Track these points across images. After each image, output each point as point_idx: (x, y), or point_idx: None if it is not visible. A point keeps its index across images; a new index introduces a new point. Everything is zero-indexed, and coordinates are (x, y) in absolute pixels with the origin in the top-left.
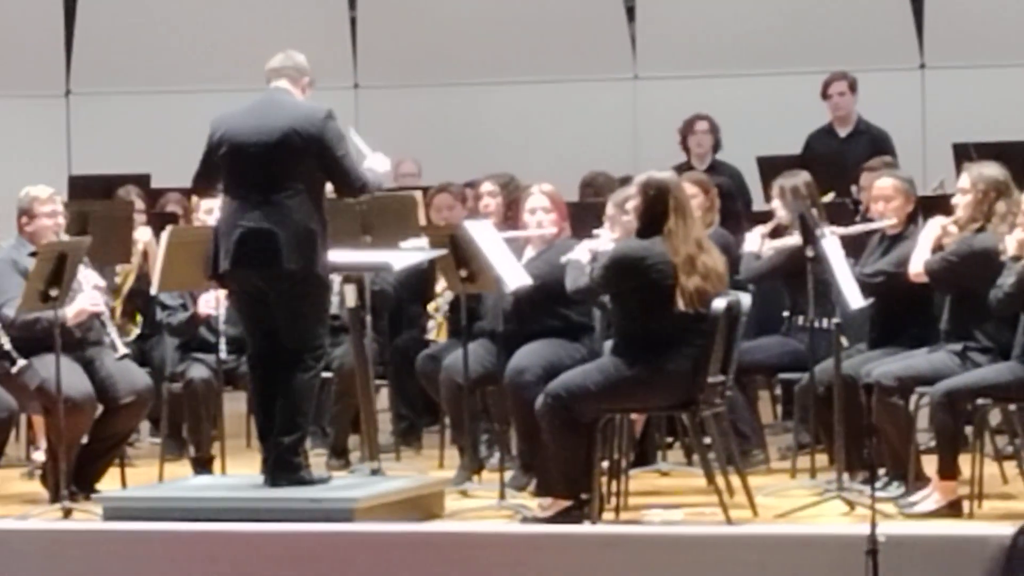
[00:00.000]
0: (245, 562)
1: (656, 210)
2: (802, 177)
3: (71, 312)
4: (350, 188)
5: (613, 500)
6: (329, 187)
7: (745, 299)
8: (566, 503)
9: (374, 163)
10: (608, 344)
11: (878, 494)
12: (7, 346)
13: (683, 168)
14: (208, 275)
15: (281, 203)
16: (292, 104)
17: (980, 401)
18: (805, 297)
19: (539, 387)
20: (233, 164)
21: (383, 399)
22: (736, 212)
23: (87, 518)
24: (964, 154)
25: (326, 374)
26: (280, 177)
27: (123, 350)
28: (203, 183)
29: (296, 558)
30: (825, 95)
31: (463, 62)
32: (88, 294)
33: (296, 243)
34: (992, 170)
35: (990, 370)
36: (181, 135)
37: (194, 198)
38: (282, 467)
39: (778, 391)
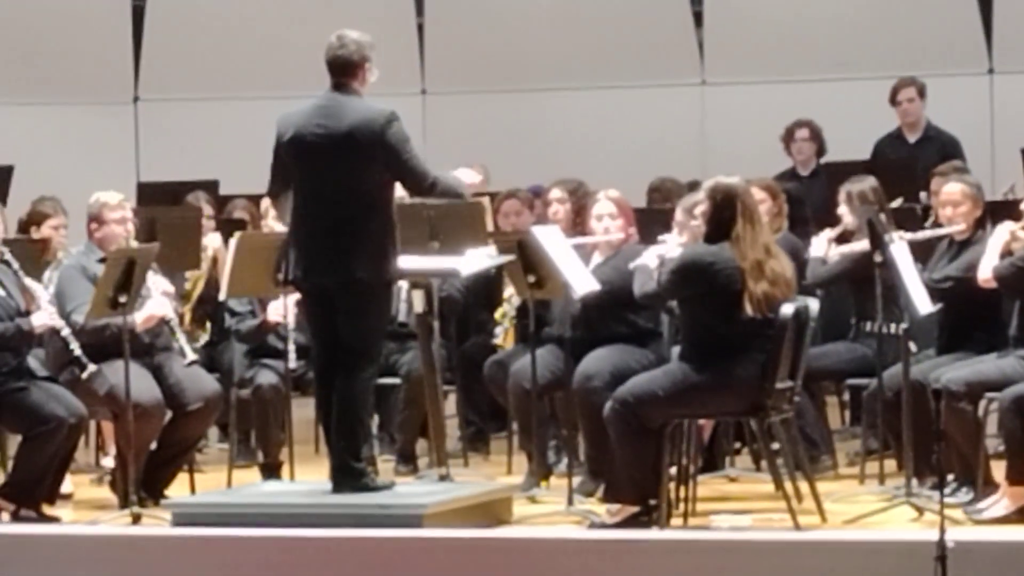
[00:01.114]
0: (314, 568)
1: (724, 215)
2: (869, 182)
3: (140, 318)
4: (419, 187)
5: (681, 506)
6: (399, 192)
7: (813, 304)
8: (634, 509)
9: (461, 174)
10: (676, 350)
11: (947, 500)
12: (77, 352)
13: (787, 175)
14: (278, 281)
15: (347, 208)
16: (354, 108)
17: None
18: (873, 303)
19: (607, 393)
20: (300, 169)
21: (451, 405)
22: (804, 217)
23: (156, 524)
24: None
25: (394, 380)
26: (346, 182)
27: (192, 356)
28: (278, 186)
29: (364, 564)
30: (894, 101)
31: (531, 68)
32: (157, 300)
33: (365, 249)
34: None
35: None
36: (249, 141)
37: (263, 204)
38: (344, 473)
39: (846, 397)
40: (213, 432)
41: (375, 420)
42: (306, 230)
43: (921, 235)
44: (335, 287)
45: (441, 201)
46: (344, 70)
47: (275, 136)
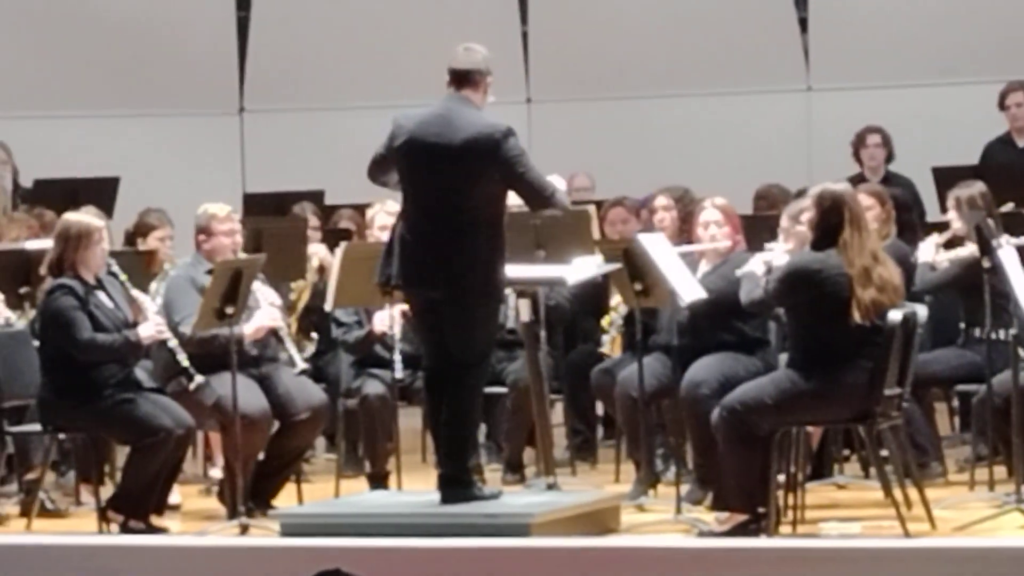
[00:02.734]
0: None
1: (831, 222)
2: (978, 187)
3: (249, 329)
4: (539, 200)
5: (790, 514)
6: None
7: (921, 311)
8: (743, 517)
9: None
10: (783, 357)
11: None
12: (184, 363)
13: (856, 180)
14: (382, 289)
15: (455, 217)
16: (470, 120)
17: None
18: (982, 308)
19: (715, 401)
20: (411, 173)
21: (558, 413)
22: (912, 224)
23: (264, 534)
24: None
25: (501, 389)
26: (457, 193)
27: (301, 365)
28: (378, 171)
29: (472, 574)
30: (1002, 105)
31: (636, 75)
32: (266, 311)
33: (472, 260)
34: None
35: None
36: (354, 151)
37: (368, 214)
38: (451, 482)
39: (955, 403)
40: (320, 442)
41: (482, 429)
42: (413, 238)
43: None
44: (442, 297)
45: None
46: (467, 79)
47: (388, 134)
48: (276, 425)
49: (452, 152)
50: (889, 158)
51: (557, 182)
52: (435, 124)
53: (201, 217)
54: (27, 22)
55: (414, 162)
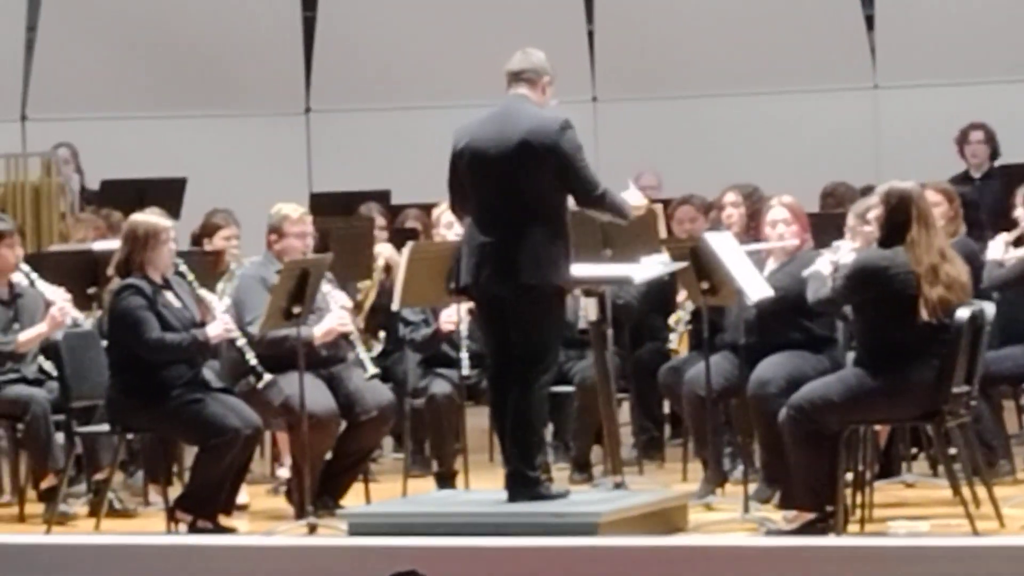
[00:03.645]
0: None
1: (898, 220)
2: None
3: (320, 332)
4: (588, 196)
5: (858, 512)
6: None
7: (989, 308)
8: (810, 515)
9: (628, 196)
10: (851, 355)
11: None
12: (253, 362)
13: (961, 178)
14: (450, 289)
15: (519, 215)
16: (528, 114)
17: None
18: None
19: (782, 399)
20: (473, 176)
21: (625, 412)
22: (980, 221)
23: (332, 534)
24: None
25: (568, 388)
26: (519, 189)
27: (373, 370)
28: (456, 199)
29: (540, 573)
30: None
31: (702, 73)
32: (336, 314)
33: (536, 257)
34: None
35: None
36: (420, 151)
37: (434, 213)
38: (518, 481)
39: (1023, 401)
40: (388, 442)
41: (549, 428)
42: (478, 238)
43: None
44: (507, 295)
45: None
46: (522, 78)
47: (452, 148)
48: (344, 425)
49: (512, 147)
50: (994, 155)
51: (636, 198)
52: (493, 124)
53: (274, 217)
54: (95, 25)
55: (475, 163)
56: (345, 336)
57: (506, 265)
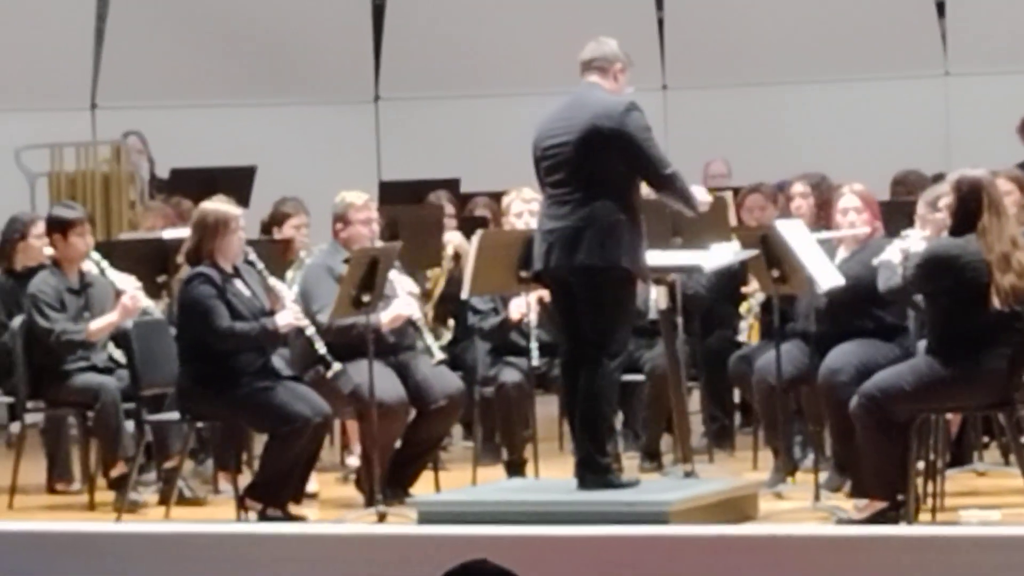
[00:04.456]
0: (559, 566)
1: (969, 207)
2: None
3: (387, 318)
4: (657, 177)
5: (929, 501)
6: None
7: None
8: (882, 504)
9: (696, 191)
10: (922, 344)
11: None
12: (322, 351)
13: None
14: (520, 278)
15: (588, 200)
16: (595, 100)
17: None
18: None
19: (853, 388)
20: (544, 164)
21: (695, 401)
22: None
23: (402, 522)
24: None
25: (638, 377)
26: (588, 175)
27: (440, 356)
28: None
29: (610, 561)
30: None
31: (772, 61)
32: (404, 300)
33: (600, 240)
34: None
35: None
36: (490, 139)
37: (503, 201)
38: (588, 469)
39: None
40: (457, 430)
41: (619, 417)
42: (549, 224)
43: None
44: (575, 279)
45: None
46: (593, 66)
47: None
48: (413, 413)
49: (579, 134)
50: None
51: (702, 193)
52: (563, 113)
53: (339, 205)
54: (164, 13)
55: (546, 151)
56: (412, 322)
57: (573, 249)
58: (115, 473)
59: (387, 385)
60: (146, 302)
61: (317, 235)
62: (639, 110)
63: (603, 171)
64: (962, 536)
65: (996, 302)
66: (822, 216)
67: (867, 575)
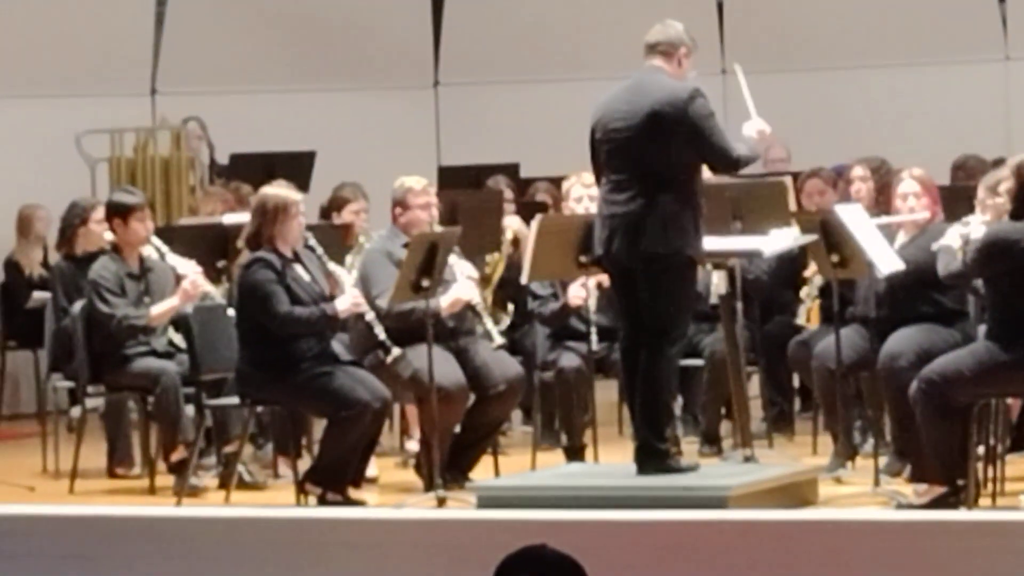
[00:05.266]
0: (618, 550)
1: None
2: None
3: (446, 302)
4: (724, 164)
5: (989, 486)
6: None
7: None
8: (941, 489)
9: (751, 129)
10: (982, 328)
11: None
12: (381, 336)
13: None
14: (580, 263)
15: (650, 186)
16: (658, 85)
17: None
18: None
19: (913, 372)
20: (605, 148)
21: (755, 386)
22: None
23: (461, 506)
24: None
25: (698, 362)
26: (649, 160)
27: (499, 340)
28: (597, 173)
29: (669, 546)
30: None
31: (831, 46)
32: (463, 284)
33: (663, 227)
34: None
35: None
36: (549, 124)
37: (563, 186)
38: (648, 454)
39: None
40: (516, 415)
41: (679, 402)
42: (609, 209)
43: None
44: (637, 265)
45: (743, 180)
46: (657, 50)
47: (591, 125)
48: (472, 398)
49: (640, 119)
50: None
51: (760, 126)
52: (625, 96)
53: (397, 190)
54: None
55: (607, 135)
56: (471, 307)
57: (636, 235)
58: (175, 457)
59: (447, 370)
60: (206, 287)
61: (376, 220)
62: (703, 96)
63: (665, 157)
64: (1022, 521)
65: None
66: (881, 201)
67: (927, 560)
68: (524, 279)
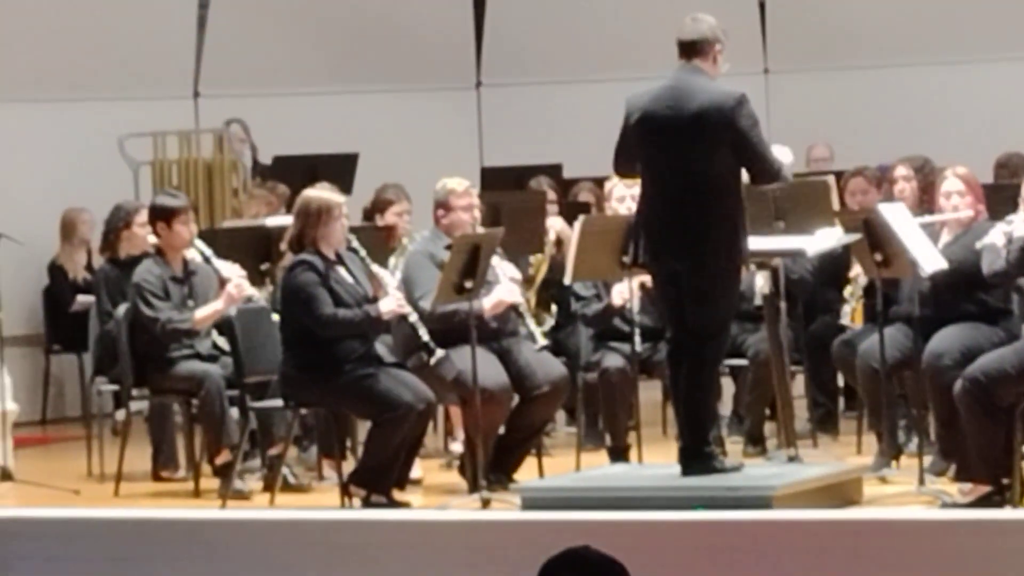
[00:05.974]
0: (663, 551)
1: None
2: None
3: (489, 304)
4: (766, 173)
5: None
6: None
7: None
8: (986, 488)
9: (779, 154)
10: None
11: None
12: (425, 338)
13: None
14: (623, 263)
15: (695, 190)
16: (703, 89)
17: None
18: None
19: (957, 371)
20: (647, 150)
21: (799, 385)
22: None
23: (505, 508)
24: None
25: (742, 361)
26: (693, 164)
27: (542, 341)
28: (622, 164)
29: (714, 546)
30: None
31: (874, 44)
32: (506, 286)
33: (714, 232)
34: None
35: None
36: (592, 124)
37: (606, 186)
38: (692, 455)
39: None
40: (561, 416)
41: (724, 402)
42: (654, 213)
43: None
44: (685, 270)
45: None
46: (695, 49)
47: (623, 116)
48: (516, 399)
49: (686, 123)
50: None
51: (782, 153)
52: (667, 97)
53: (439, 192)
54: (266, 1)
55: (650, 137)
56: (514, 308)
57: (680, 239)
58: (220, 460)
59: (490, 371)
60: (250, 290)
61: (419, 222)
62: (749, 103)
63: (709, 161)
64: None
65: None
66: (925, 199)
67: (972, 559)
68: (567, 280)
